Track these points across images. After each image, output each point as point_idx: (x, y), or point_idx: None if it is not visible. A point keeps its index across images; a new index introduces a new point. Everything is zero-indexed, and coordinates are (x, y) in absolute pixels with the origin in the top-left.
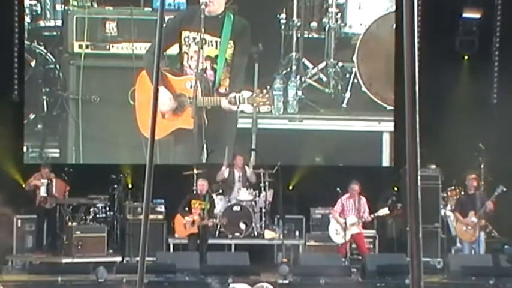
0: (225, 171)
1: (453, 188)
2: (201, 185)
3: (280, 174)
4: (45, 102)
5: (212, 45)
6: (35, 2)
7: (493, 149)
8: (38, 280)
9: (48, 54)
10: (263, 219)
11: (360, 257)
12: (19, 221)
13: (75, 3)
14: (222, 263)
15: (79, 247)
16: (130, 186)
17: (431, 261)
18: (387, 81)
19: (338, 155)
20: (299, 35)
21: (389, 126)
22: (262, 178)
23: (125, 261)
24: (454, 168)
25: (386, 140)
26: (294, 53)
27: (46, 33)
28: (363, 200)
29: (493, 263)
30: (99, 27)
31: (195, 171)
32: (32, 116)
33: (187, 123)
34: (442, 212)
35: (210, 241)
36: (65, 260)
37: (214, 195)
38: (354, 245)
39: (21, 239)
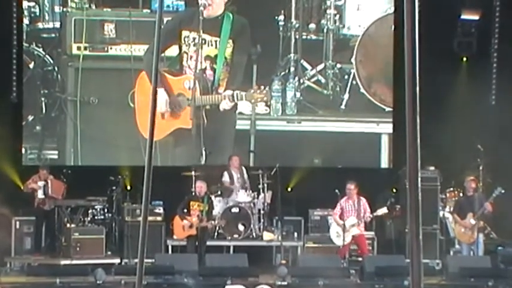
0: (225, 175)
1: (452, 189)
2: (200, 187)
3: (279, 175)
4: (43, 103)
5: (212, 45)
6: (34, 3)
7: (491, 150)
8: (36, 282)
9: (47, 56)
10: (262, 220)
11: (359, 259)
12: (17, 222)
13: (73, 5)
14: (221, 265)
15: (77, 249)
16: (128, 187)
17: (429, 263)
18: (386, 83)
19: (337, 157)
20: (297, 37)
21: (388, 127)
22: (261, 180)
23: (123, 263)
24: (452, 169)
25: (384, 141)
26: (292, 55)
27: (44, 35)
28: (363, 200)
29: (491, 264)
30: (97, 29)
31: (194, 173)
32: (30, 118)
33: (186, 123)
34: (441, 213)
35: (208, 243)
36: (63, 262)
37: (212, 197)
38: (353, 247)
39: (20, 240)
